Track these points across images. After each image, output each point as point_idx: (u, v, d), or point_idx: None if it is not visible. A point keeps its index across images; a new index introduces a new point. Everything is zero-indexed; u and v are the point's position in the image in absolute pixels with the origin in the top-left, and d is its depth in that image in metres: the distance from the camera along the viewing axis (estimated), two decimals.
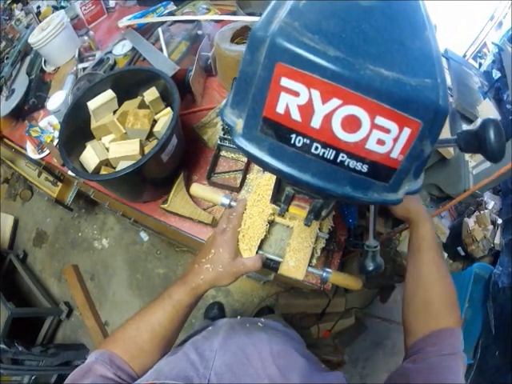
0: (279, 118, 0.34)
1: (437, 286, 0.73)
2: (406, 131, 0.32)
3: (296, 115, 0.33)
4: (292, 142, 0.35)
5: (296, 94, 0.32)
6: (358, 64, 0.31)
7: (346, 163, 0.34)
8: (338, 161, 0.34)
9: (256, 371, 0.64)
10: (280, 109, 0.34)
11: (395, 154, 0.34)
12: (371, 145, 0.33)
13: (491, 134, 0.40)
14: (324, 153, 0.34)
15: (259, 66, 0.34)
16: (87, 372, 0.63)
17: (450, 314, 0.70)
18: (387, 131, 0.32)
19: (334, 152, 0.34)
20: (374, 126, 0.32)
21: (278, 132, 0.35)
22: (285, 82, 0.32)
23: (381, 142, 0.33)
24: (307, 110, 0.33)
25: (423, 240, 0.77)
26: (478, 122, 0.43)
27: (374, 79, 0.31)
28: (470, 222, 2.06)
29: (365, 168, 0.35)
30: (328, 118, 0.32)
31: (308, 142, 0.34)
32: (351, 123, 0.32)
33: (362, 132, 0.33)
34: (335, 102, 0.32)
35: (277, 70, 0.32)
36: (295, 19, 0.33)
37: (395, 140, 0.33)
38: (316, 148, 0.34)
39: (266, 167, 0.37)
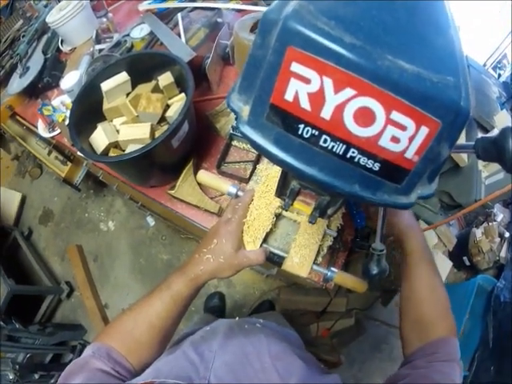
0: (287, 105, 0.32)
1: (427, 299, 0.73)
2: (424, 130, 0.30)
3: (305, 104, 0.31)
4: (299, 132, 0.33)
5: (307, 80, 0.30)
6: (375, 53, 0.29)
7: (356, 159, 0.32)
8: (348, 156, 0.32)
9: (255, 373, 0.64)
10: (289, 96, 0.32)
11: (410, 154, 0.32)
12: (385, 142, 0.31)
13: (511, 144, 0.38)
14: (333, 146, 0.32)
15: (269, 49, 0.32)
16: (84, 366, 0.62)
17: (443, 324, 0.71)
18: (403, 128, 0.30)
19: (344, 146, 0.32)
20: (389, 121, 0.30)
21: (285, 121, 0.33)
22: (295, 67, 0.30)
23: (395, 140, 0.31)
24: (318, 98, 0.31)
25: (411, 253, 0.77)
26: (498, 129, 0.40)
27: (393, 71, 0.29)
28: (478, 232, 2.02)
29: (376, 166, 0.33)
30: (340, 109, 0.30)
31: (316, 133, 0.32)
32: (364, 116, 0.30)
33: (375, 127, 0.30)
34: (348, 92, 0.30)
35: (288, 55, 0.30)
36: (311, 3, 0.31)
37: (411, 139, 0.31)
38: (325, 141, 0.32)
39: (270, 158, 0.35)
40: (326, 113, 0.31)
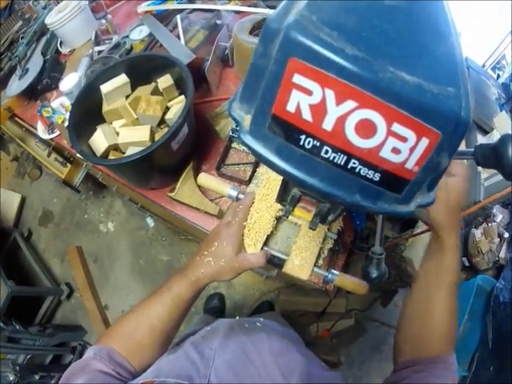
0: (289, 116, 0.32)
1: (443, 316, 0.68)
2: (424, 141, 0.31)
3: (307, 115, 0.31)
4: (301, 143, 0.33)
5: (309, 92, 0.31)
6: (377, 65, 0.29)
7: (357, 170, 0.33)
8: (349, 167, 0.33)
9: (257, 370, 0.64)
10: (290, 107, 0.32)
11: (410, 165, 0.32)
12: (386, 153, 0.31)
13: (510, 151, 0.38)
14: (334, 157, 0.32)
15: (271, 59, 0.32)
16: (85, 367, 0.62)
17: (447, 345, 0.68)
18: (404, 140, 0.30)
19: (346, 157, 0.32)
20: (390, 133, 0.30)
21: (287, 131, 0.33)
22: (297, 78, 0.31)
23: (396, 151, 0.31)
24: (319, 110, 0.31)
25: (446, 270, 0.68)
26: (498, 136, 0.40)
27: (394, 83, 0.29)
28: (477, 233, 2.04)
29: (377, 177, 0.33)
30: (341, 120, 0.30)
31: (318, 144, 0.32)
32: (366, 128, 0.30)
33: (376, 138, 0.31)
34: (350, 104, 0.30)
35: (289, 66, 0.30)
36: (313, 13, 0.31)
37: (412, 150, 0.31)
38: (326, 152, 0.32)
39: (272, 167, 0.35)
40: (328, 124, 0.31)
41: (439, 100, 0.29)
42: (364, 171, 0.33)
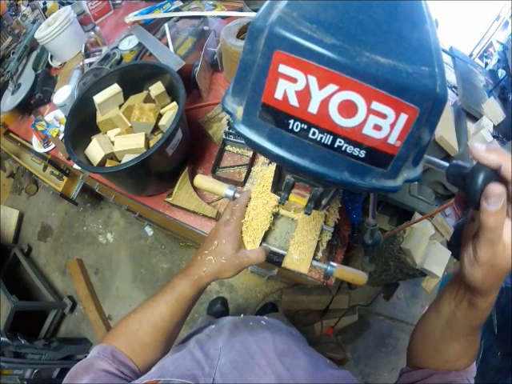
0: (277, 103, 0.35)
1: (460, 350, 0.60)
2: (403, 117, 0.33)
3: (294, 101, 0.34)
4: (290, 127, 0.35)
5: (293, 80, 0.33)
6: (354, 51, 0.31)
7: (343, 148, 0.35)
8: (336, 146, 0.35)
9: (261, 369, 0.65)
10: (278, 95, 0.34)
11: (392, 140, 0.34)
12: (368, 130, 0.34)
13: (478, 183, 0.37)
14: (321, 138, 0.35)
15: (258, 54, 0.34)
16: (89, 367, 0.63)
17: (469, 360, 0.62)
18: (384, 116, 0.33)
19: (332, 137, 0.35)
20: (370, 111, 0.33)
21: (277, 118, 0.35)
22: (283, 68, 0.33)
23: (377, 128, 0.34)
24: (304, 95, 0.33)
25: (480, 318, 0.54)
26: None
27: (370, 66, 0.31)
28: None
29: (362, 153, 0.35)
30: (325, 103, 0.33)
31: (305, 127, 0.35)
32: (348, 108, 0.33)
33: (358, 117, 0.33)
34: (332, 87, 0.32)
35: (275, 58, 0.33)
36: (294, 10, 0.34)
37: (392, 126, 0.33)
38: (313, 133, 0.35)
39: (265, 153, 0.38)
40: (313, 107, 0.34)
41: (414, 78, 0.32)
42: (350, 149, 0.35)
